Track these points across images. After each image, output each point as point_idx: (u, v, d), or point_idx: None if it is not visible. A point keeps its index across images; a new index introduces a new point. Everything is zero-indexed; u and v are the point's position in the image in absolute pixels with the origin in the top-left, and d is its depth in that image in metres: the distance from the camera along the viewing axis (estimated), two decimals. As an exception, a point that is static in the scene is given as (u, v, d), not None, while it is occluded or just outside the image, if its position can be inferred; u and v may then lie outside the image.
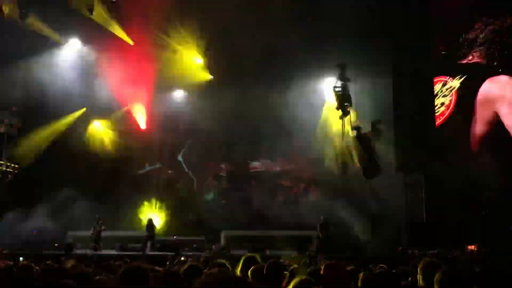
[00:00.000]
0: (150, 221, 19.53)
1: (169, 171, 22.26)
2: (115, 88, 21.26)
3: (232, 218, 20.66)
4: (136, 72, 20.44)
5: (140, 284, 3.38)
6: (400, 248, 16.28)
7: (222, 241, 19.20)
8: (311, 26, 18.66)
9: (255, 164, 21.43)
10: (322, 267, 4.61)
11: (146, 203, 21.58)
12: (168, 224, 20.68)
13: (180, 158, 22.19)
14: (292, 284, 3.90)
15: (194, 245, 18.78)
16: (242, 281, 2.29)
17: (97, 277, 4.97)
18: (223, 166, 21.91)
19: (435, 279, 3.80)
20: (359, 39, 17.73)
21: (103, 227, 19.00)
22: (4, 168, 20.45)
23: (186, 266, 4.65)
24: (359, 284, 4.64)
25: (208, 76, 21.23)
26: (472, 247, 14.99)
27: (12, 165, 20.82)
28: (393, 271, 6.18)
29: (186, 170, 22.11)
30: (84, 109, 21.82)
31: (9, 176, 20.74)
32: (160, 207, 21.59)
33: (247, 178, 21.47)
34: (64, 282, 3.45)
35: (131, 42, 20.39)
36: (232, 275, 2.33)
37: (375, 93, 18.25)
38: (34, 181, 20.62)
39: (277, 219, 19.95)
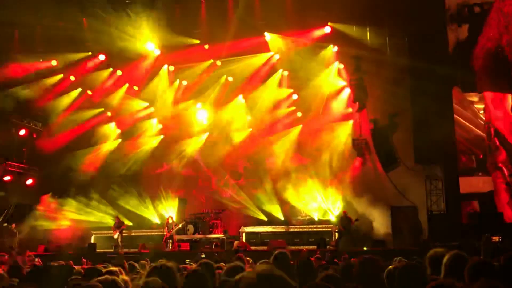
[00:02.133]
0: (169, 220, 19.66)
1: (187, 169, 22.31)
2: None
3: (250, 215, 20.75)
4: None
5: (168, 282, 3.41)
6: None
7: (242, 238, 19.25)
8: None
9: (271, 159, 21.35)
10: (356, 262, 4.55)
11: (164, 201, 21.71)
12: (188, 222, 20.69)
13: (196, 155, 22.23)
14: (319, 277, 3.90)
15: (214, 244, 18.86)
16: (281, 278, 2.29)
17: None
18: (240, 163, 21.91)
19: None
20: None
21: (123, 227, 19.20)
22: (25, 171, 20.78)
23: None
24: (386, 277, 4.60)
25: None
26: (496, 238, 14.82)
27: (33, 168, 21.15)
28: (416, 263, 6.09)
29: (204, 168, 22.15)
30: (102, 109, 22.12)
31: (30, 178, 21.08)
32: (179, 206, 21.70)
33: (264, 174, 21.38)
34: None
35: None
36: (274, 272, 2.32)
37: (392, 85, 18.14)
38: (54, 183, 20.94)
39: (297, 214, 20.09)
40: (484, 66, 18.35)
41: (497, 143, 18.22)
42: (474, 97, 19.32)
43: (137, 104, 22.26)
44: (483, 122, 18.97)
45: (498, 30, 18.20)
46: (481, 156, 18.90)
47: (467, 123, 18.87)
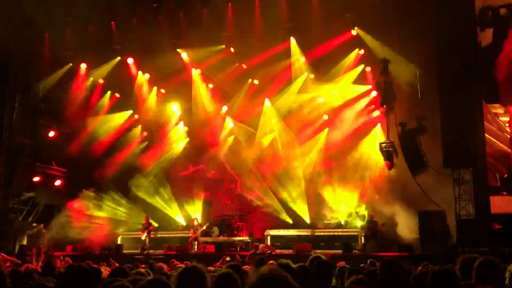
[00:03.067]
0: (194, 222, 19.76)
1: (212, 172, 22.40)
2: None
3: (275, 217, 20.73)
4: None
5: (198, 284, 3.40)
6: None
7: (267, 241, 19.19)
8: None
9: (297, 162, 21.25)
10: (379, 265, 4.52)
11: (190, 203, 21.82)
12: (213, 224, 20.75)
13: (222, 158, 22.30)
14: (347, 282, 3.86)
15: (239, 246, 18.90)
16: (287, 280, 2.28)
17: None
18: (266, 165, 21.85)
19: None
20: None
21: (151, 227, 19.33)
22: (53, 172, 21.10)
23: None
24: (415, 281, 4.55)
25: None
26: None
27: (61, 169, 21.47)
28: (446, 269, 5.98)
29: (229, 170, 22.21)
30: (130, 111, 22.40)
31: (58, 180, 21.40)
32: (204, 208, 21.80)
33: (290, 177, 21.30)
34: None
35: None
36: (283, 274, 2.31)
37: (420, 87, 17.93)
38: (81, 185, 21.23)
39: (322, 217, 20.02)
40: (509, 76, 17.33)
41: None
42: (499, 109, 18.41)
43: (164, 107, 22.48)
44: (509, 137, 18.16)
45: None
46: (505, 175, 18.00)
47: (491, 138, 17.98)
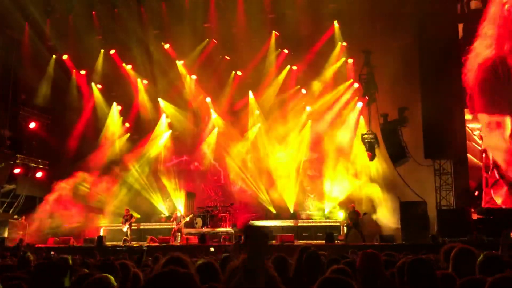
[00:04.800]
0: (177, 214, 19.72)
1: (196, 163, 22.38)
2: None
3: (259, 208, 20.80)
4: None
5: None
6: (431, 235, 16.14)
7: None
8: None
9: (279, 154, 21.31)
10: (359, 256, 4.57)
11: (173, 195, 21.76)
12: (196, 215, 20.74)
13: (205, 150, 22.27)
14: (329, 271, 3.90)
15: (222, 238, 18.92)
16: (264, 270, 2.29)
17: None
18: (249, 157, 21.86)
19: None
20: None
21: (132, 220, 19.24)
22: (33, 164, 20.88)
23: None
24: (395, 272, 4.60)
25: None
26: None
27: (41, 161, 21.25)
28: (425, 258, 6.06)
29: (213, 162, 22.20)
30: (114, 103, 22.23)
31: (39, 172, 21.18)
32: (187, 199, 21.76)
33: (274, 169, 21.35)
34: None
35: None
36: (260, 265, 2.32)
37: (402, 79, 18.02)
38: (63, 177, 21.04)
39: (305, 208, 20.13)
40: (478, 80, 16.67)
41: (496, 175, 16.71)
42: (467, 115, 17.59)
43: (147, 99, 22.30)
44: (479, 148, 17.53)
45: (499, 35, 16.55)
46: (476, 193, 17.13)
47: None
